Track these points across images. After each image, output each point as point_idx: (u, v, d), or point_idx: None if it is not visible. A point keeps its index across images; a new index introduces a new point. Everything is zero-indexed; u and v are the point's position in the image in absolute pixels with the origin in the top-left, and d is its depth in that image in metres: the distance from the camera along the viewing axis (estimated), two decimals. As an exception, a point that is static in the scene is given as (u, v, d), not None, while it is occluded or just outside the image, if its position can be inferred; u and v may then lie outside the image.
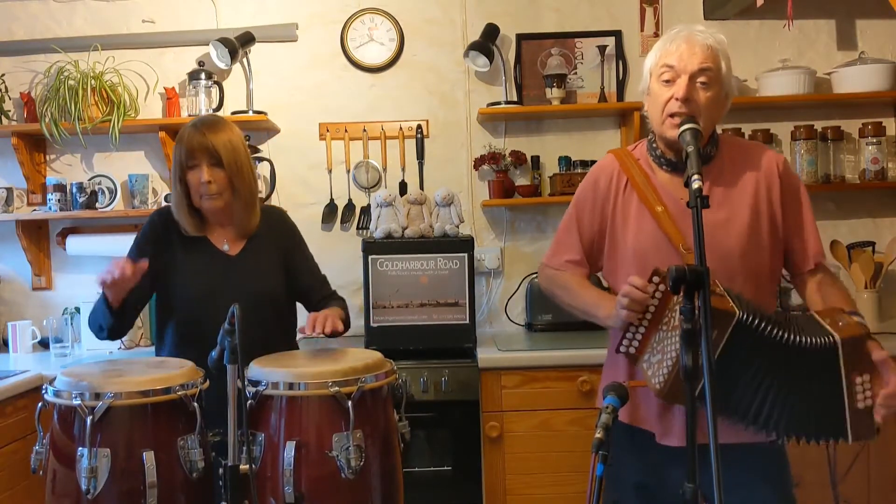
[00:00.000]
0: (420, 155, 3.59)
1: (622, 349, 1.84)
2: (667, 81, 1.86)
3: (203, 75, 3.45)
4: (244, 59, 3.47)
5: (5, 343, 3.47)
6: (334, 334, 2.21)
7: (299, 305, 2.47)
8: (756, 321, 1.70)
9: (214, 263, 2.31)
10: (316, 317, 2.19)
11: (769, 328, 1.71)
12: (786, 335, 1.71)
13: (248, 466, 1.74)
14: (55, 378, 1.93)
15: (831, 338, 1.71)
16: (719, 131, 2.00)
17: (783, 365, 1.72)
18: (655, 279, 1.77)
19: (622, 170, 1.99)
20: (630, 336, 1.83)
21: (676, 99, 1.83)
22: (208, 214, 2.32)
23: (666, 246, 1.87)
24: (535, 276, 3.51)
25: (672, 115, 1.84)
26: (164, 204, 3.46)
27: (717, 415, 1.70)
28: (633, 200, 1.95)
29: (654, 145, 1.97)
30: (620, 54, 3.58)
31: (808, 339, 1.71)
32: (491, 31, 3.49)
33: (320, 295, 2.44)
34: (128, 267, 2.06)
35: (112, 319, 2.19)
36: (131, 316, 2.29)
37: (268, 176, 3.46)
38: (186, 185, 2.26)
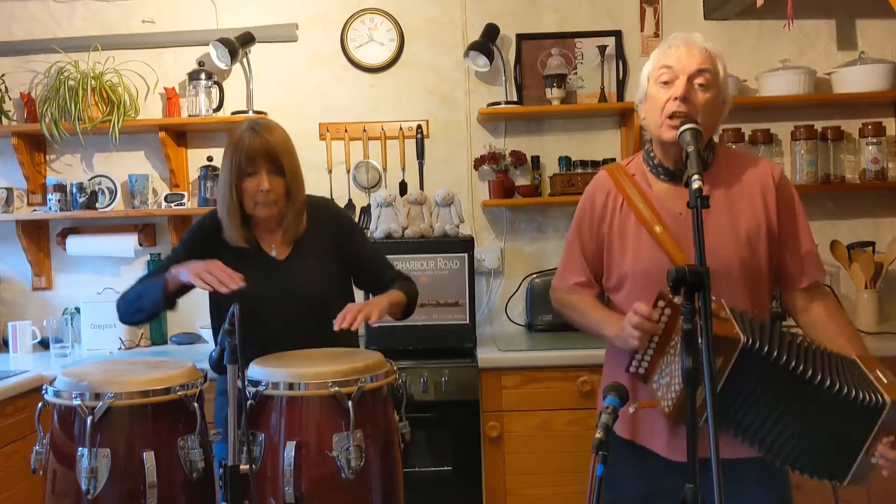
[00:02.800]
0: (420, 155, 3.59)
1: (632, 370, 1.83)
2: (665, 83, 1.85)
3: (203, 75, 3.46)
4: (244, 59, 3.47)
5: (5, 343, 3.47)
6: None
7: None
8: (765, 348, 1.67)
9: (263, 269, 2.25)
10: (348, 309, 2.09)
11: (784, 358, 1.68)
12: (820, 378, 1.68)
13: (248, 466, 1.74)
14: (55, 378, 1.93)
15: (880, 396, 1.69)
16: (719, 131, 2.00)
17: (810, 402, 1.70)
18: (661, 303, 1.75)
19: (616, 188, 1.97)
20: (639, 358, 1.81)
21: (675, 99, 1.82)
22: (258, 221, 2.27)
23: (668, 266, 1.84)
24: (535, 276, 3.52)
25: (671, 117, 1.83)
26: (159, 204, 3.46)
27: (727, 434, 1.71)
28: (631, 219, 1.93)
29: (651, 154, 1.96)
30: (620, 54, 3.58)
31: (858, 393, 1.69)
32: (491, 32, 3.49)
33: (386, 279, 2.35)
34: (229, 277, 2.04)
35: (160, 310, 2.22)
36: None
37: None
38: (240, 192, 2.20)
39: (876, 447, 1.71)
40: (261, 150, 2.17)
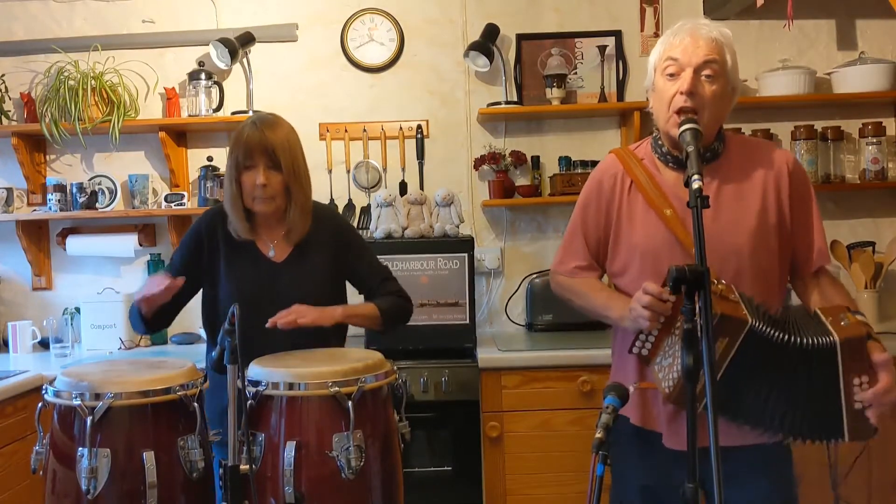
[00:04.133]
0: (420, 155, 3.59)
1: (635, 350, 1.83)
2: (671, 75, 1.83)
3: (203, 75, 3.46)
4: (244, 59, 3.47)
5: (5, 343, 3.47)
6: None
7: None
8: (768, 329, 1.69)
9: (259, 271, 2.26)
10: (290, 310, 2.10)
11: (778, 333, 1.70)
12: (788, 337, 1.70)
13: (248, 466, 1.74)
14: (55, 378, 1.93)
15: (831, 338, 1.71)
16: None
17: (784, 364, 1.72)
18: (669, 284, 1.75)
19: (625, 170, 1.96)
20: (643, 338, 1.81)
21: (681, 93, 1.80)
22: (258, 217, 2.27)
23: (677, 248, 1.84)
24: (535, 276, 3.51)
25: (678, 112, 1.81)
26: (159, 204, 3.47)
27: (725, 419, 1.71)
28: (639, 202, 1.92)
29: (660, 143, 1.94)
30: (620, 54, 3.58)
31: (808, 340, 1.70)
32: (491, 32, 3.49)
33: (375, 293, 2.34)
34: (162, 283, 2.09)
35: (145, 326, 2.26)
36: (169, 317, 2.32)
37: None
38: (241, 186, 2.21)
39: (853, 392, 1.72)
40: (258, 145, 2.17)
